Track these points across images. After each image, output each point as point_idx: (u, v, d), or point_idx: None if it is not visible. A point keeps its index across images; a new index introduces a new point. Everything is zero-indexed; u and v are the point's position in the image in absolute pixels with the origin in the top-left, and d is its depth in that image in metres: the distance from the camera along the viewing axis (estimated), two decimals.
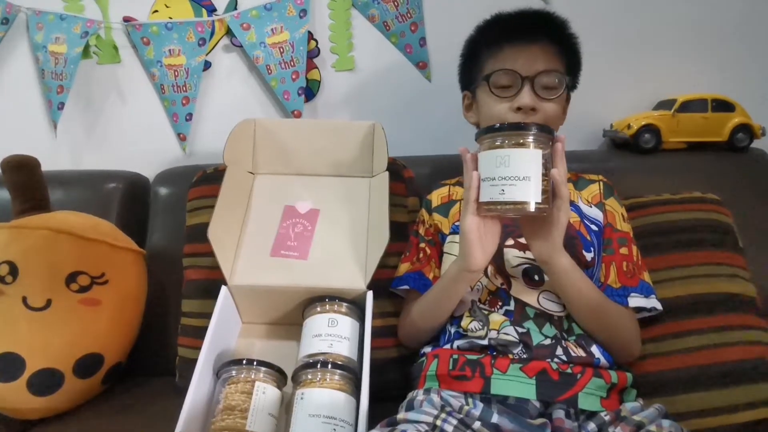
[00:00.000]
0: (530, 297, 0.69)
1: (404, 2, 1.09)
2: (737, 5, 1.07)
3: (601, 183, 0.81)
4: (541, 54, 0.73)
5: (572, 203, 0.75)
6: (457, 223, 0.77)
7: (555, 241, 0.62)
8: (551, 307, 0.68)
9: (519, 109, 0.72)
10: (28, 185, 0.86)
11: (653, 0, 1.07)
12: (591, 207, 0.77)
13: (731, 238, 0.81)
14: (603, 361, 0.65)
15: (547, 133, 0.58)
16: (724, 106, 0.99)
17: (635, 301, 0.70)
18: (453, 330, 0.72)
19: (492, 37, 0.77)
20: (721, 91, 1.02)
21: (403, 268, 0.80)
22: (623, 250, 0.74)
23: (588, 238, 0.74)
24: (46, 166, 1.03)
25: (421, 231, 0.82)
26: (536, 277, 0.70)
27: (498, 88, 0.74)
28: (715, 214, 0.82)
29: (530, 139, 0.57)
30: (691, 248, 0.79)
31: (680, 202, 0.84)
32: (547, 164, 0.58)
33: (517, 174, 0.56)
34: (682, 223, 0.81)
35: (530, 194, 0.56)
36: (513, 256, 0.71)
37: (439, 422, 0.56)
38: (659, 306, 0.70)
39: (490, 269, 0.72)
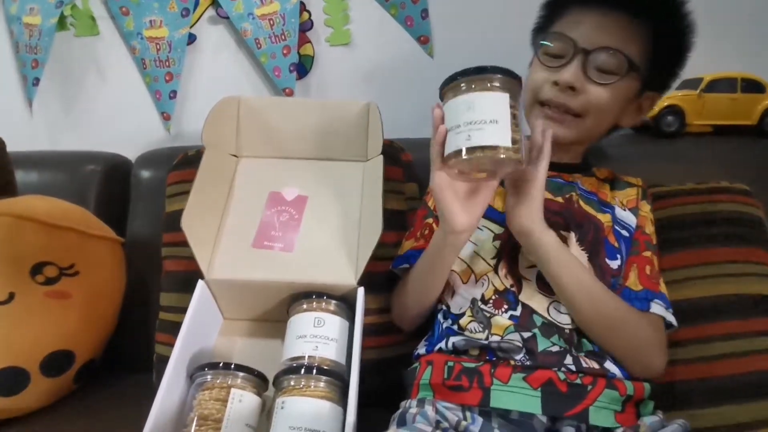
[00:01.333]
0: (540, 305, 0.61)
1: None
2: None
3: (640, 189, 0.72)
4: (613, 27, 0.61)
5: (608, 204, 0.68)
6: None
7: (535, 206, 0.57)
8: (562, 319, 0.60)
9: (555, 84, 0.63)
10: None
11: None
12: (625, 210, 0.69)
13: (761, 232, 0.74)
14: (618, 374, 0.58)
15: (512, 78, 0.53)
16: (754, 86, 0.90)
17: (658, 308, 0.61)
18: (447, 325, 0.65)
19: None
20: (752, 70, 0.92)
21: (407, 245, 0.73)
22: (647, 253, 0.66)
23: (616, 245, 0.65)
24: (22, 146, 0.97)
25: (431, 203, 0.75)
26: None
27: (545, 54, 0.65)
28: (744, 205, 0.75)
29: (496, 83, 0.52)
30: (717, 244, 0.71)
31: (706, 192, 0.76)
32: (517, 114, 0.53)
33: (483, 117, 0.51)
34: (708, 216, 0.73)
35: (498, 137, 0.51)
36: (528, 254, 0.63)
37: None
38: (675, 323, 0.62)
39: (501, 266, 0.64)
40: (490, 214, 0.66)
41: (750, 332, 0.65)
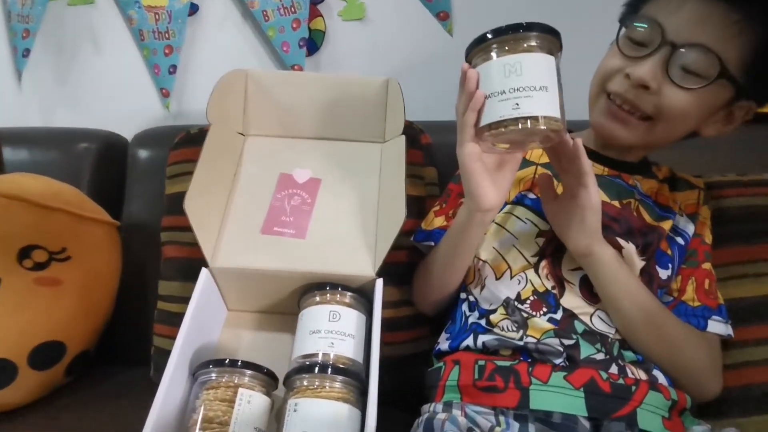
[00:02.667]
0: (583, 312, 0.56)
1: None
2: None
3: (701, 192, 0.67)
4: (714, 22, 0.51)
5: (668, 209, 0.63)
6: (525, 193, 0.64)
7: (592, 227, 0.53)
8: (606, 329, 0.56)
9: (627, 77, 0.54)
10: None
11: None
12: (683, 215, 0.64)
13: None
14: (663, 380, 0.54)
15: (558, 38, 0.47)
16: None
17: (716, 326, 0.57)
18: (474, 319, 0.60)
19: None
20: None
21: (436, 222, 0.69)
22: (706, 266, 0.61)
23: (669, 252, 0.60)
24: (10, 121, 0.91)
25: None
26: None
27: (626, 39, 0.56)
28: None
29: (545, 43, 0.47)
30: (763, 240, 0.67)
31: (749, 185, 0.71)
32: (560, 78, 0.48)
33: (533, 83, 0.45)
34: (753, 210, 0.69)
35: (550, 107, 0.46)
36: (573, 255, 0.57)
37: None
38: (732, 333, 0.59)
39: (543, 266, 0.58)
40: (537, 206, 0.61)
41: None
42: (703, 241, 0.63)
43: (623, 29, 0.57)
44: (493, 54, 0.47)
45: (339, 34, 0.99)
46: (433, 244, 0.66)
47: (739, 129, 0.61)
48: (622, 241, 0.58)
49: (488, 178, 0.51)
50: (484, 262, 0.62)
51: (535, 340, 0.55)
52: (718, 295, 0.61)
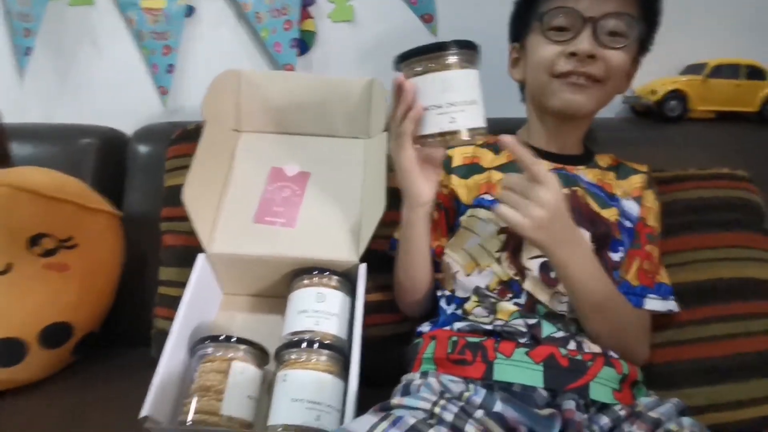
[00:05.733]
0: (543, 295, 0.61)
1: None
2: None
3: (646, 176, 0.72)
4: None
5: (613, 197, 0.68)
6: (482, 196, 0.68)
7: (552, 230, 0.54)
8: (563, 308, 0.61)
9: (573, 55, 0.63)
10: None
11: None
12: (629, 200, 0.69)
13: (760, 219, 0.75)
14: (615, 356, 0.59)
15: (477, 52, 0.54)
16: (757, 73, 0.90)
17: (652, 303, 0.64)
18: (452, 310, 0.65)
19: None
20: (756, 57, 0.92)
21: None
22: (649, 247, 0.67)
23: (618, 237, 0.66)
24: (13, 117, 0.94)
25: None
26: (553, 274, 0.62)
27: (552, 29, 0.65)
28: (745, 192, 0.76)
29: (469, 59, 0.53)
30: (718, 229, 0.72)
31: (707, 178, 0.77)
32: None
33: (464, 98, 0.52)
34: (709, 201, 0.74)
35: (480, 118, 0.53)
36: (532, 246, 0.63)
37: (437, 410, 0.50)
38: (676, 308, 0.65)
39: (504, 257, 0.64)
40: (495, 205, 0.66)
41: (746, 314, 0.66)
42: (645, 224, 0.68)
43: (539, 23, 0.65)
44: (425, 68, 0.52)
45: (329, 35, 1.03)
46: None
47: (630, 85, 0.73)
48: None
49: (422, 175, 0.59)
50: (455, 262, 0.66)
51: (502, 322, 0.60)
52: (661, 272, 0.66)
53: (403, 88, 0.54)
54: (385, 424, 0.47)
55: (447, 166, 0.72)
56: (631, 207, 0.68)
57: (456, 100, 0.51)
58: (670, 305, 0.65)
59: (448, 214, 0.71)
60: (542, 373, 0.55)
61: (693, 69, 0.93)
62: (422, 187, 0.60)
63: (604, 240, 0.64)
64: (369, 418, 0.49)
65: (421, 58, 0.52)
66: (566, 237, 0.56)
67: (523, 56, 0.72)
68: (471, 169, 0.72)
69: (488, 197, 0.68)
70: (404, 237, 0.66)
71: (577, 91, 0.64)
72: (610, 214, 0.66)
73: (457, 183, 0.71)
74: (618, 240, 0.65)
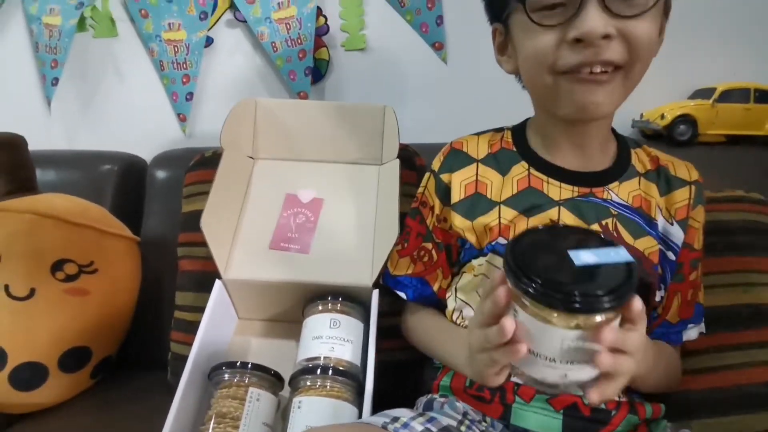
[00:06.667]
0: None
1: None
2: None
3: (694, 187, 0.58)
4: None
5: (653, 222, 0.56)
6: (497, 241, 0.55)
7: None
8: None
9: (578, 41, 0.46)
10: (14, 165, 0.81)
11: None
12: (673, 224, 0.57)
13: None
14: (639, 397, 0.57)
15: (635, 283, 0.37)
16: (767, 97, 0.90)
17: (689, 334, 0.60)
18: None
19: None
20: (764, 81, 0.93)
21: (402, 264, 0.65)
22: (693, 276, 0.59)
23: (660, 272, 0.57)
24: (40, 144, 0.98)
25: (428, 221, 0.63)
26: None
27: (539, 10, 0.47)
28: (761, 215, 0.75)
29: (614, 314, 0.37)
30: (733, 253, 0.71)
31: (721, 201, 0.76)
32: None
33: (588, 358, 0.37)
34: (724, 225, 0.73)
35: (594, 372, 0.39)
36: None
37: (463, 428, 0.50)
38: (704, 329, 0.62)
39: None
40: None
41: (762, 342, 0.65)
42: (691, 249, 0.58)
43: (522, 4, 0.48)
44: (558, 321, 0.36)
45: (342, 63, 1.06)
46: (403, 296, 0.64)
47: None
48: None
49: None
50: (468, 305, 0.60)
51: None
52: (700, 295, 0.61)
53: (504, 329, 0.38)
54: (421, 419, 0.46)
55: (445, 196, 0.62)
56: (676, 234, 0.57)
57: (578, 359, 0.38)
58: (701, 328, 0.61)
59: (450, 253, 0.62)
60: (561, 421, 0.52)
61: (702, 93, 0.93)
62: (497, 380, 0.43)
63: (646, 288, 0.55)
64: (405, 411, 0.47)
65: (549, 301, 0.35)
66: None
67: (510, 41, 0.55)
68: (474, 203, 0.59)
69: (503, 241, 0.56)
70: (443, 354, 0.60)
71: (594, 88, 0.48)
72: (646, 245, 0.55)
73: (461, 224, 0.59)
74: (660, 276, 0.57)
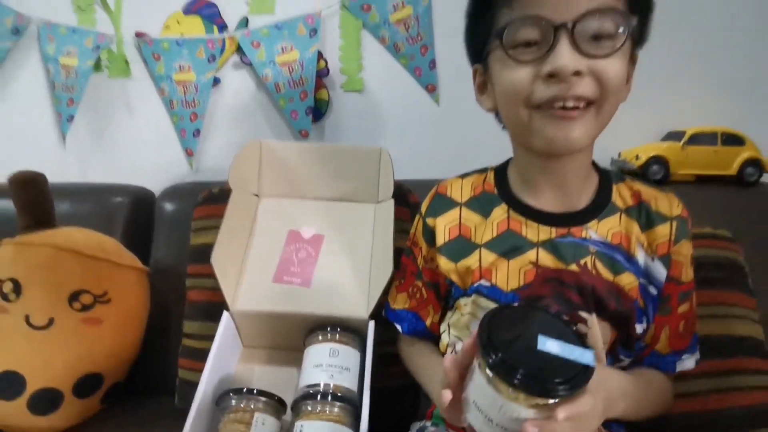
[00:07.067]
0: None
1: (415, 25, 1.09)
2: (745, 40, 1.06)
3: (676, 223, 0.58)
4: None
5: (633, 259, 0.57)
6: (480, 283, 0.59)
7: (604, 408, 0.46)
8: None
9: (552, 76, 0.49)
10: (35, 201, 0.86)
11: (664, 32, 1.06)
12: (654, 260, 0.58)
13: (742, 277, 0.80)
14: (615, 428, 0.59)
15: (581, 387, 0.40)
16: (733, 139, 0.98)
17: (684, 364, 0.60)
18: None
19: None
20: (732, 123, 1.01)
21: (399, 299, 0.70)
22: (683, 308, 0.59)
23: (642, 305, 0.57)
24: (54, 177, 1.03)
25: (419, 261, 0.67)
26: None
27: (516, 47, 0.51)
28: (727, 251, 0.81)
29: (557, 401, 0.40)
30: (703, 287, 0.75)
31: (693, 237, 0.82)
32: None
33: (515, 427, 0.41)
34: (697, 260, 0.79)
35: None
36: None
37: None
38: (699, 356, 0.62)
39: None
40: (493, 294, 0.58)
41: (732, 370, 0.71)
42: (678, 283, 0.58)
43: (500, 42, 0.52)
44: (506, 392, 0.40)
45: (341, 103, 1.13)
46: (400, 328, 0.69)
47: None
48: (584, 314, 0.55)
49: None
50: (461, 341, 0.62)
51: None
52: (694, 326, 0.61)
53: (451, 376, 0.44)
54: None
55: (431, 239, 0.65)
56: (657, 269, 0.57)
57: (511, 427, 0.41)
58: (697, 356, 0.61)
59: (438, 290, 0.65)
60: None
61: (673, 136, 1.01)
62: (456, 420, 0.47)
63: (622, 313, 0.56)
64: None
65: (506, 378, 0.39)
66: (612, 406, 0.48)
67: (489, 79, 0.58)
68: (458, 246, 0.62)
69: (485, 283, 0.59)
70: (424, 386, 0.65)
71: (567, 123, 0.51)
72: (626, 281, 0.56)
73: (446, 266, 0.62)
74: (641, 309, 0.57)
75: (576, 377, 0.39)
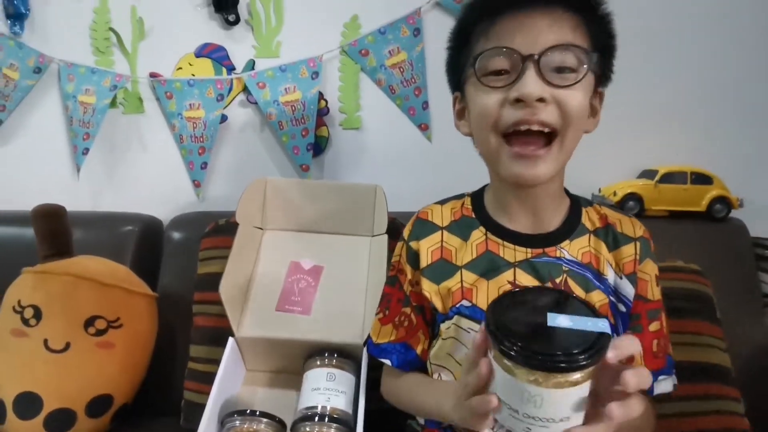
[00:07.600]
0: None
1: (409, 69, 1.18)
2: (713, 87, 1.15)
3: (639, 243, 0.62)
4: (553, 24, 0.54)
5: (602, 277, 0.60)
6: (461, 304, 0.61)
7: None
8: None
9: (518, 101, 0.54)
10: (55, 232, 0.93)
11: (638, 77, 1.14)
12: (622, 278, 0.61)
13: (711, 308, 0.86)
14: None
15: (601, 355, 0.39)
16: (702, 179, 1.06)
17: (661, 386, 0.60)
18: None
19: (484, 10, 0.58)
20: (702, 163, 1.09)
21: (385, 332, 0.69)
22: (654, 326, 0.61)
23: (613, 322, 0.59)
24: (68, 205, 1.10)
25: (406, 287, 0.67)
26: None
27: (488, 74, 0.56)
28: (696, 284, 0.88)
29: (581, 375, 0.38)
30: (673, 317, 0.80)
31: (664, 270, 0.87)
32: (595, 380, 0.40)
33: (552, 416, 0.39)
34: (667, 292, 0.84)
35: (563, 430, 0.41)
36: None
37: None
38: (676, 380, 0.62)
39: None
40: (473, 313, 0.60)
41: (698, 395, 0.77)
42: (645, 301, 0.61)
43: (473, 69, 0.57)
44: (516, 373, 0.39)
45: (340, 140, 1.21)
46: (388, 362, 0.68)
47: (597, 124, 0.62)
48: None
49: None
50: (445, 368, 0.64)
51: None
52: (668, 347, 0.62)
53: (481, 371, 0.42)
54: None
55: (415, 262, 0.66)
56: (625, 287, 0.61)
57: (539, 415, 0.39)
58: (674, 379, 0.62)
59: (425, 315, 0.67)
60: None
61: (647, 174, 1.09)
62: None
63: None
64: None
65: (514, 358, 0.39)
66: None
67: (466, 105, 0.63)
68: (440, 268, 0.64)
69: (467, 303, 0.61)
70: (427, 411, 0.63)
71: (532, 162, 0.56)
72: (597, 299, 0.59)
73: (428, 288, 0.64)
74: (612, 326, 0.59)
75: (594, 345, 0.38)
